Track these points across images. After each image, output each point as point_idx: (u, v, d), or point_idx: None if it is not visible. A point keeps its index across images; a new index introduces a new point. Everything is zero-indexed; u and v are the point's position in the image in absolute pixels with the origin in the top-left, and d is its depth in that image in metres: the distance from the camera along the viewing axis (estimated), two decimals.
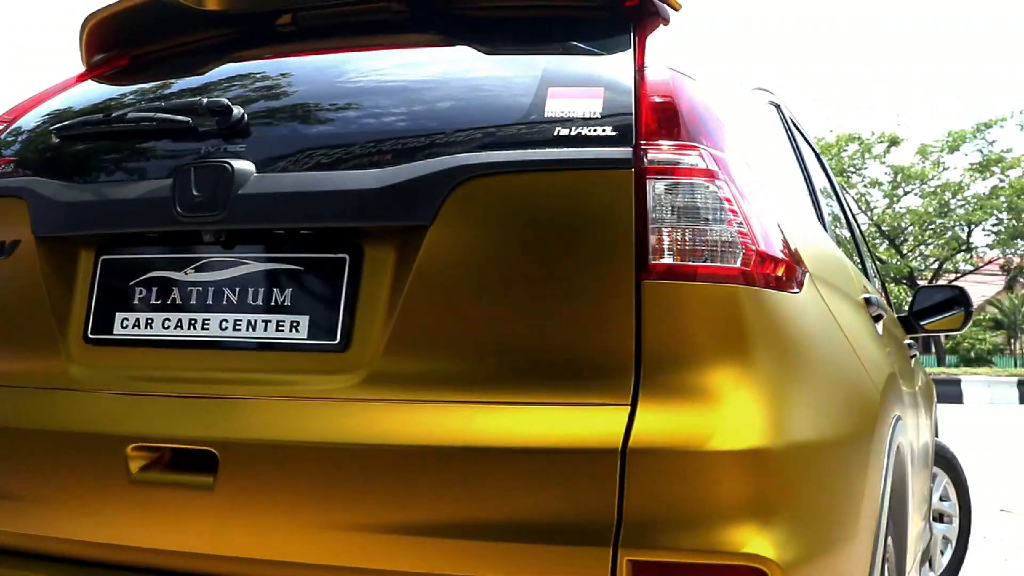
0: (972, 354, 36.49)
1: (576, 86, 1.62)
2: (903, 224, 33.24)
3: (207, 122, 1.75)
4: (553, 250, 1.52)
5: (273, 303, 1.66)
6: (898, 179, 33.14)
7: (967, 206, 32.28)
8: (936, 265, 34.82)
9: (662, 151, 1.52)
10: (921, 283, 31.84)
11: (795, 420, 1.51)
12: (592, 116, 1.57)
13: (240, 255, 1.70)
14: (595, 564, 1.40)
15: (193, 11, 2.07)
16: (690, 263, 1.49)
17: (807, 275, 1.69)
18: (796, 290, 1.62)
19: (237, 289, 1.69)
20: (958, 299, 3.77)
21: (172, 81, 2.08)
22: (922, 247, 35.06)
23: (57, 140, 1.96)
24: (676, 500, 1.40)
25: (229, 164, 1.67)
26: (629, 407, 1.44)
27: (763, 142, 2.05)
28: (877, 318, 2.49)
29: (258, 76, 1.97)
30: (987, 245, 34.05)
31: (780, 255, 1.58)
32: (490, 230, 1.55)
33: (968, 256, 34.54)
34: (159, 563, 1.63)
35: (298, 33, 2.09)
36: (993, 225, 32.52)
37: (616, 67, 1.65)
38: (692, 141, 1.54)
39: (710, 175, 1.52)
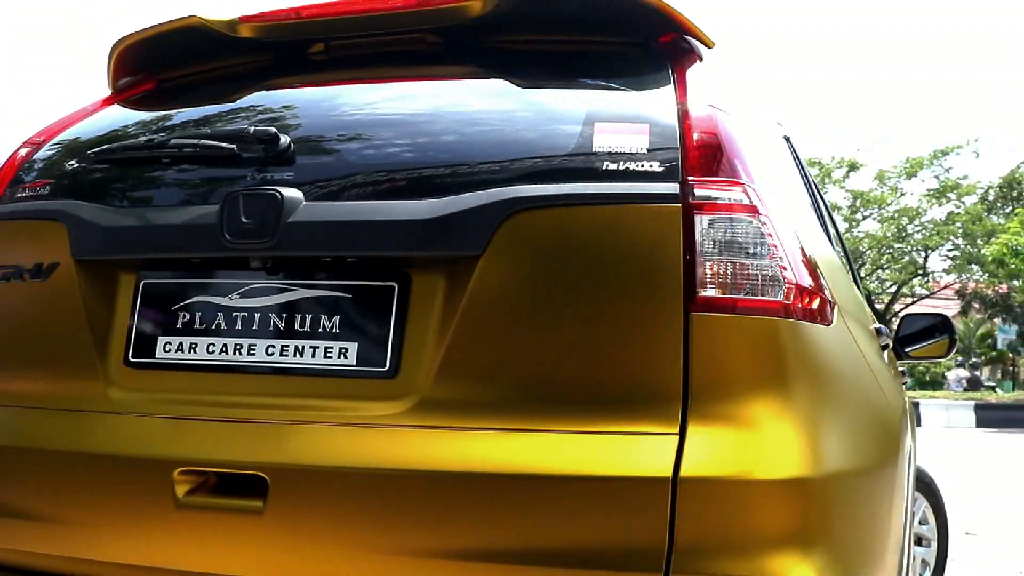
0: (927, 377, 37.01)
1: (621, 121, 1.67)
2: (861, 248, 33.74)
3: (253, 149, 1.78)
4: (602, 281, 1.56)
5: (321, 330, 1.69)
6: (857, 204, 33.64)
7: (924, 231, 32.83)
8: (893, 289, 35.36)
9: (708, 187, 1.57)
10: (879, 307, 32.31)
11: (832, 450, 1.56)
12: (639, 151, 1.62)
13: (287, 282, 1.73)
14: None
15: (225, 37, 2.09)
16: (735, 296, 1.54)
17: (836, 308, 1.75)
18: (828, 322, 1.67)
19: (283, 315, 1.71)
20: (940, 326, 3.87)
21: (206, 107, 2.10)
22: (879, 271, 35.59)
23: (95, 163, 1.97)
24: (724, 528, 1.45)
25: (279, 192, 1.69)
26: (678, 436, 1.48)
27: (787, 175, 2.11)
28: (884, 347, 2.57)
29: (298, 104, 2.00)
30: (943, 270, 34.65)
31: (815, 288, 1.64)
32: (540, 261, 1.59)
33: (924, 280, 35.11)
34: None
35: (331, 62, 2.12)
36: (949, 250, 33.11)
37: (659, 103, 1.70)
38: (735, 177, 1.60)
39: (753, 210, 1.57)
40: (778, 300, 1.55)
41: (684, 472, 1.45)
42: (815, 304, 1.63)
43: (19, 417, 1.85)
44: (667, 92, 1.73)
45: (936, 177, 32.38)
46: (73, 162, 2.05)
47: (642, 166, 1.60)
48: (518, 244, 1.59)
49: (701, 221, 1.56)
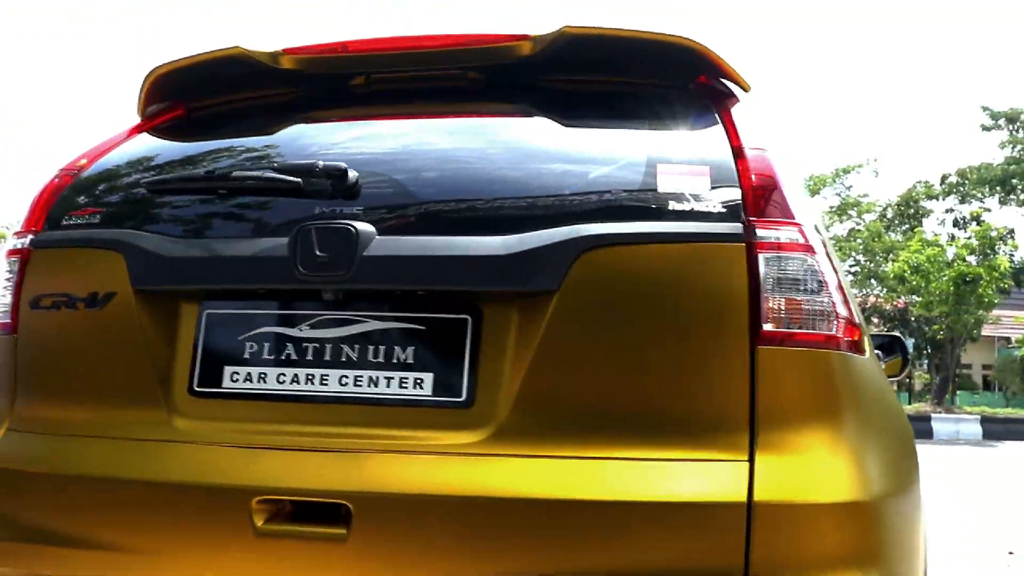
0: None
1: (682, 163, 1.77)
2: None
3: (320, 183, 1.82)
4: (672, 316, 1.66)
5: (395, 361, 1.74)
6: None
7: None
8: None
9: (768, 227, 1.69)
10: None
11: (878, 472, 1.69)
12: (701, 192, 1.72)
13: (359, 314, 1.77)
14: None
15: (267, 68, 2.13)
16: (795, 330, 1.65)
17: (865, 338, 1.88)
18: (864, 353, 1.80)
19: (356, 346, 1.76)
20: (892, 345, 4.07)
21: (251, 137, 2.13)
22: None
23: (151, 193, 1.98)
24: (794, 549, 1.56)
25: (353, 227, 1.74)
26: (748, 463, 1.59)
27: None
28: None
29: (352, 137, 2.05)
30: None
31: (855, 321, 1.77)
32: (612, 296, 1.68)
33: None
34: None
35: (372, 96, 2.17)
36: (851, 266, 34.31)
37: (713, 145, 1.81)
38: (790, 218, 1.71)
39: (809, 249, 1.69)
40: (831, 334, 1.68)
41: (758, 497, 1.55)
42: (855, 336, 1.75)
43: (78, 446, 1.84)
44: (718, 133, 1.84)
45: (838, 195, 33.57)
46: (123, 190, 2.06)
47: (706, 207, 1.71)
48: (591, 280, 1.68)
49: (763, 260, 1.67)
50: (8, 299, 2.02)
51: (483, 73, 2.08)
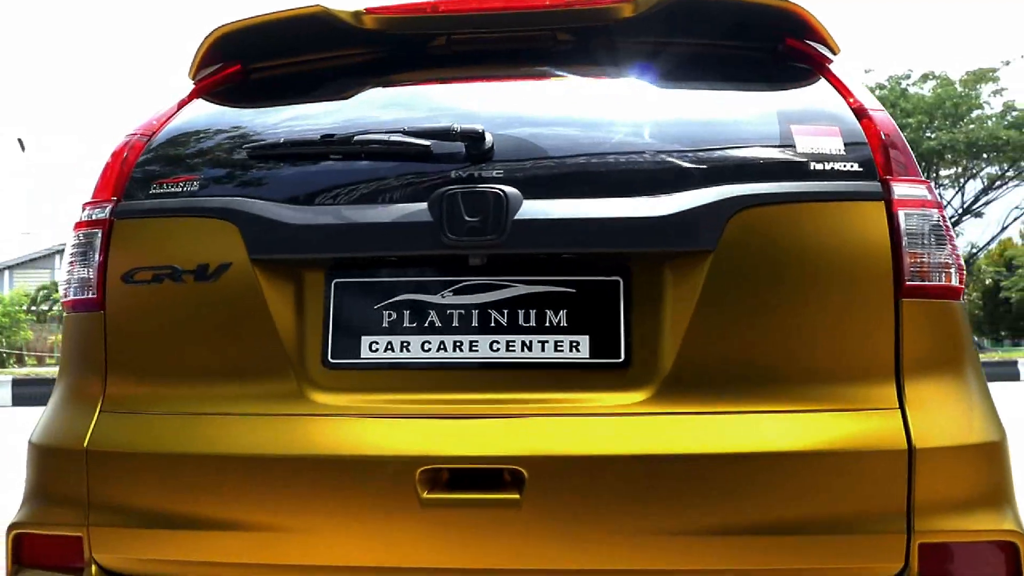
0: None
1: (812, 123, 1.82)
2: None
3: (456, 146, 1.77)
4: (820, 273, 1.71)
5: (548, 324, 1.73)
6: None
7: None
8: None
9: (903, 185, 1.76)
10: None
11: (995, 413, 1.80)
12: (835, 152, 1.77)
13: (508, 279, 1.75)
14: (891, 550, 1.61)
15: (346, 28, 2.05)
16: (930, 283, 1.74)
17: None
18: (964, 303, 1.91)
19: (505, 311, 1.74)
20: None
21: (344, 99, 2.04)
22: None
23: (255, 159, 1.88)
24: (950, 489, 1.65)
25: (502, 190, 1.71)
26: (899, 410, 1.67)
27: None
28: None
29: (465, 99, 1.99)
30: None
31: (962, 272, 1.87)
32: (764, 255, 1.72)
33: None
34: None
35: (461, 57, 2.12)
36: None
37: (832, 106, 1.86)
38: (918, 175, 1.79)
39: (937, 205, 1.78)
40: (956, 285, 1.77)
41: (916, 443, 1.63)
42: (962, 286, 1.86)
43: (197, 424, 1.75)
44: (830, 94, 1.90)
45: None
46: (218, 156, 1.95)
47: (842, 166, 1.76)
48: (744, 239, 1.71)
49: (903, 216, 1.74)
50: (90, 274, 1.88)
51: (581, 34, 2.06)
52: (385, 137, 1.79)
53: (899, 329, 1.71)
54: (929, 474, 1.63)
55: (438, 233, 1.71)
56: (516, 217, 1.70)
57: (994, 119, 31.82)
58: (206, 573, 1.75)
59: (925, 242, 1.75)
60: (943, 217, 1.78)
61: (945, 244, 1.77)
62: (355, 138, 1.80)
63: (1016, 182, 33.53)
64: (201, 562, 1.73)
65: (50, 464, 1.86)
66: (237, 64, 2.19)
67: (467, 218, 1.70)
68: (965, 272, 1.90)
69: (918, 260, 1.74)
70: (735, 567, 1.62)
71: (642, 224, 1.71)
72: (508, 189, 1.72)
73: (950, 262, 1.77)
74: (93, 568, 1.77)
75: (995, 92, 32.37)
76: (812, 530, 1.62)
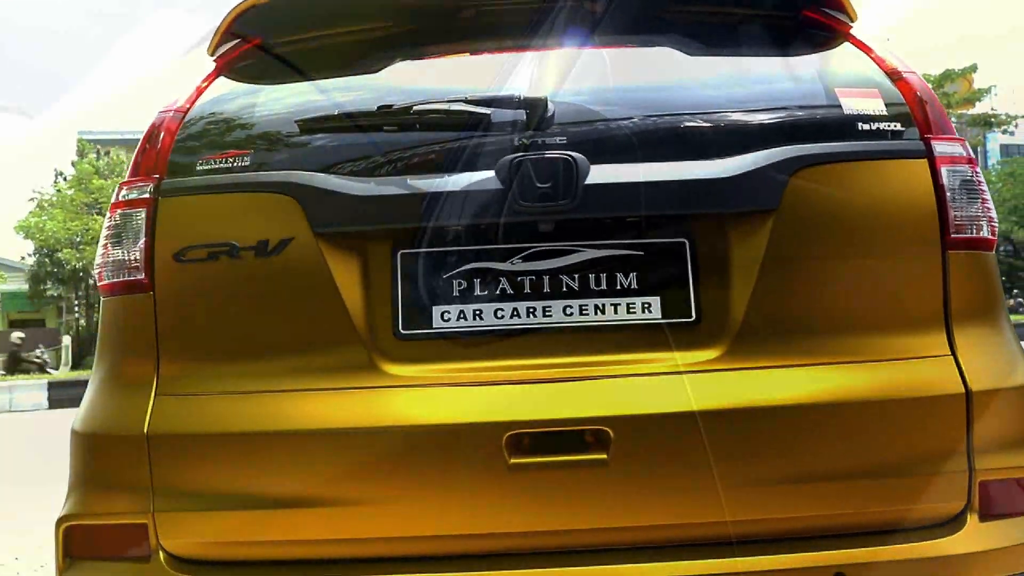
0: None
1: (855, 86, 1.89)
2: None
3: (518, 114, 1.78)
4: (876, 229, 1.79)
5: (619, 287, 1.76)
6: None
7: None
8: None
9: (943, 143, 1.85)
10: None
11: None
12: (879, 113, 1.85)
13: (577, 243, 1.77)
14: (954, 488, 1.71)
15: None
16: (972, 235, 1.83)
17: None
18: None
19: (576, 275, 1.76)
20: None
21: (384, 70, 2.01)
22: None
23: (306, 132, 1.85)
24: (1004, 429, 1.75)
25: (572, 156, 1.73)
26: (952, 356, 1.76)
27: None
28: None
29: (509, 68, 1.99)
30: None
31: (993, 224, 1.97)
32: (823, 212, 1.78)
33: None
34: (544, 544, 1.67)
35: (486, 27, 2.11)
36: None
37: (866, 70, 1.94)
38: (954, 134, 1.89)
39: (972, 162, 1.87)
40: (991, 237, 1.87)
41: (972, 386, 1.72)
42: (995, 238, 1.96)
43: (268, 402, 1.72)
44: (861, 58, 1.97)
45: None
46: (264, 130, 1.91)
47: (886, 126, 1.84)
48: (805, 197, 1.77)
49: (946, 172, 1.83)
50: (136, 254, 1.83)
51: (623, 2, 2.08)
52: (446, 106, 1.79)
53: (947, 280, 1.79)
54: (984, 415, 1.72)
55: (510, 200, 1.72)
56: (587, 182, 1.73)
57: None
58: (280, 552, 1.73)
59: (964, 196, 1.84)
60: (976, 172, 1.88)
61: (979, 198, 1.87)
62: (414, 108, 1.79)
63: None
64: (276, 541, 1.71)
65: (104, 452, 1.80)
66: (255, 39, 2.14)
67: (539, 184, 1.72)
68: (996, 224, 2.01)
69: (960, 214, 1.83)
70: (813, 512, 1.68)
71: (705, 186, 1.75)
72: (576, 155, 1.74)
73: (985, 215, 1.87)
74: (161, 555, 1.73)
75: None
76: (881, 474, 1.69)
